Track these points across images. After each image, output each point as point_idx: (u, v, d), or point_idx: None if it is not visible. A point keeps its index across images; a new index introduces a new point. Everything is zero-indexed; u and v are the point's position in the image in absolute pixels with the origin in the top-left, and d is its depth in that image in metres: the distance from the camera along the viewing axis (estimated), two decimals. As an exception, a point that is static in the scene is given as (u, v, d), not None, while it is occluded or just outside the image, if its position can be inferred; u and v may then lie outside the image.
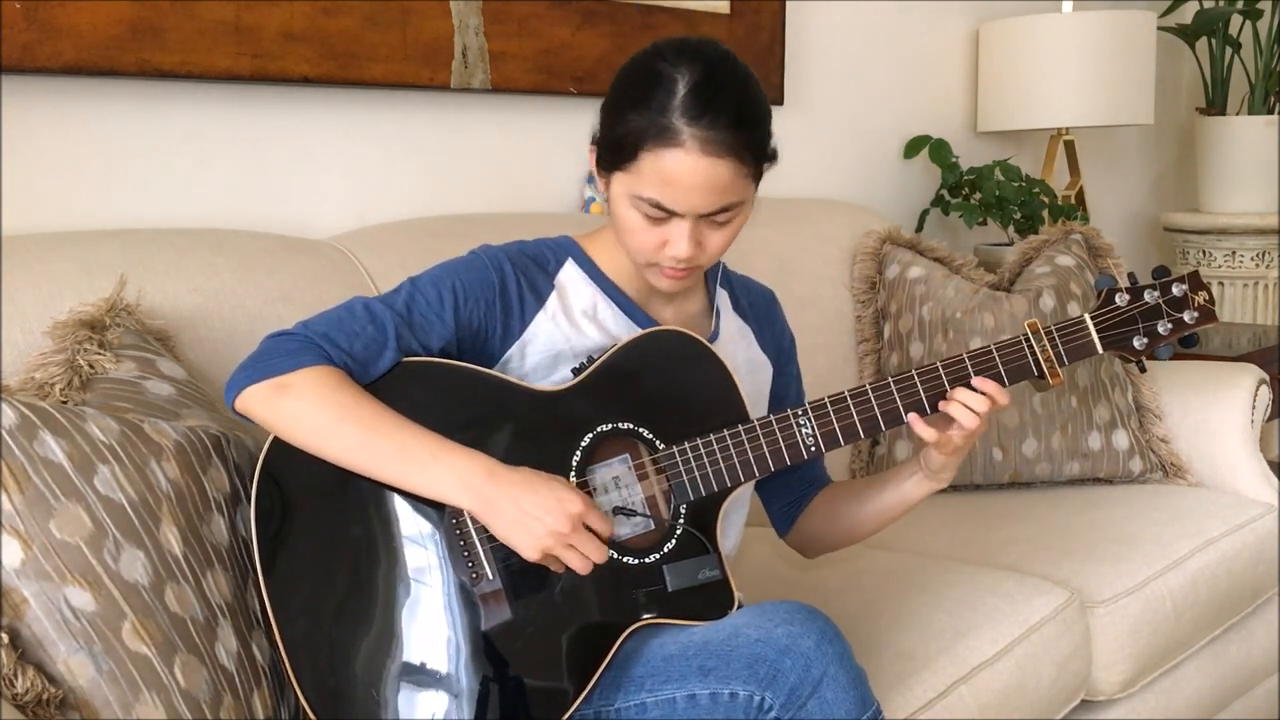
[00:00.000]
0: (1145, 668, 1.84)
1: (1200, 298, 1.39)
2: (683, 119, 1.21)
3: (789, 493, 1.54)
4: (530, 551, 1.20)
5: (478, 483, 1.20)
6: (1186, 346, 1.42)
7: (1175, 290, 1.40)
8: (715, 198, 1.24)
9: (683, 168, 1.22)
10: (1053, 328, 1.38)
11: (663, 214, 1.26)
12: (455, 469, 1.21)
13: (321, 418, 1.21)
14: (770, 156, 1.30)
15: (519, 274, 1.34)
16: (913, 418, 1.34)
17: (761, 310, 1.53)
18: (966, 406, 1.33)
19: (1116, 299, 1.39)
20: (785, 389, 1.54)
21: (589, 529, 1.21)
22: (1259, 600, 2.11)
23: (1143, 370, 1.45)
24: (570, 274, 1.38)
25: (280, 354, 1.24)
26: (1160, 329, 1.39)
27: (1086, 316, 1.39)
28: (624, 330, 1.37)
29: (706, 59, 1.24)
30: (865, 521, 1.48)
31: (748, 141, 1.24)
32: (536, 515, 1.18)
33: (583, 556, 1.21)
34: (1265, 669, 2.20)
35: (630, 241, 1.31)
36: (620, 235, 1.32)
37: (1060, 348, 1.38)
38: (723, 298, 1.48)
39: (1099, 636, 1.77)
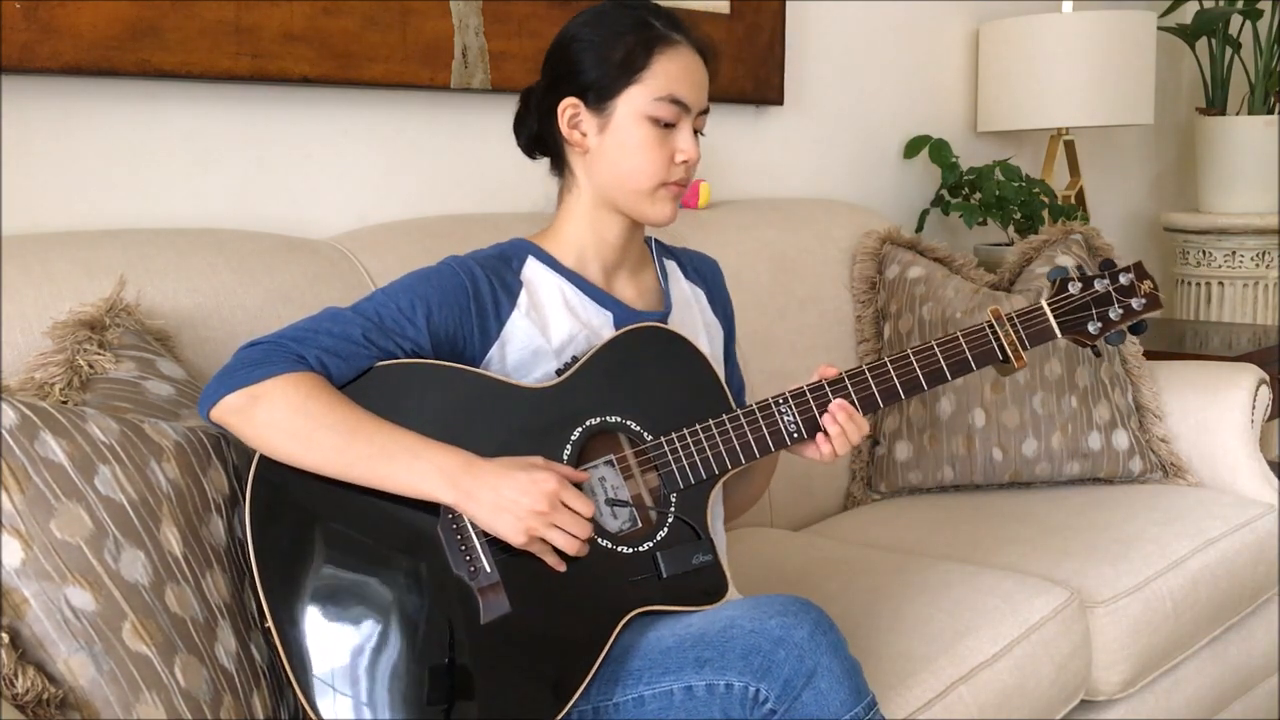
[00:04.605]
0: (1145, 668, 1.84)
1: (1146, 285, 1.49)
2: (668, 29, 1.37)
3: None
4: (514, 535, 1.22)
5: (456, 476, 1.22)
6: (1136, 333, 1.51)
7: (1123, 279, 1.49)
8: (705, 94, 1.40)
9: (688, 62, 1.37)
10: (1014, 314, 1.47)
11: (676, 113, 1.36)
12: (435, 465, 1.22)
13: (297, 425, 1.21)
14: None
15: (490, 275, 1.36)
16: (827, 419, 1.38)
17: (709, 275, 1.59)
18: (842, 431, 1.37)
19: (1069, 288, 1.48)
20: (729, 352, 1.60)
21: (570, 509, 1.23)
22: (1259, 600, 2.11)
23: (1097, 355, 1.55)
24: (534, 268, 1.41)
25: (250, 364, 1.23)
26: (1112, 315, 1.49)
27: (1044, 304, 1.48)
28: (593, 314, 1.40)
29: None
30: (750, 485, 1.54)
31: (709, 50, 1.41)
32: (514, 498, 1.21)
33: (568, 536, 1.22)
34: (1265, 669, 2.20)
35: (642, 163, 1.36)
36: (628, 163, 1.37)
37: (1022, 333, 1.46)
38: (672, 267, 1.53)
39: (1099, 636, 1.77)
